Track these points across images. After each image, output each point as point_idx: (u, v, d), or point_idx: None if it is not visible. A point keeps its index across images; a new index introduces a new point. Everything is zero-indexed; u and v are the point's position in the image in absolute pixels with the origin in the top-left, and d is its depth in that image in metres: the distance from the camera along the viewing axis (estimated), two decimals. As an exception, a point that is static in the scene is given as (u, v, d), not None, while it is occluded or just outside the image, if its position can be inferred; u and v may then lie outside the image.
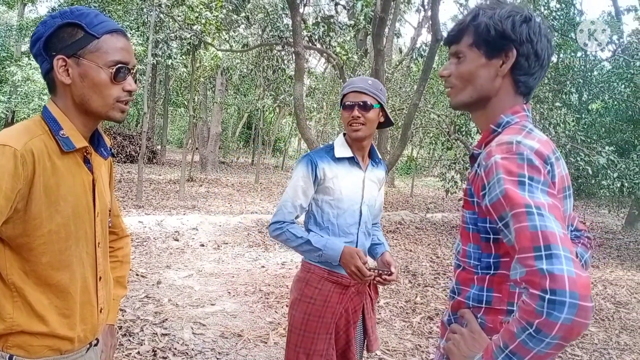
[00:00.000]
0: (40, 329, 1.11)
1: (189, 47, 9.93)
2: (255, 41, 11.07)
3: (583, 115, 10.23)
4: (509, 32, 1.08)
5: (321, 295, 1.89)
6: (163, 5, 9.45)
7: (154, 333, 3.40)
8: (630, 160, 8.54)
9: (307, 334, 1.88)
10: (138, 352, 3.09)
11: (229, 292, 4.47)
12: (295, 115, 6.38)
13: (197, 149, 17.00)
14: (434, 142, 11.44)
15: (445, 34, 6.05)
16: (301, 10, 7.43)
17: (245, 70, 15.74)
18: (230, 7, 9.28)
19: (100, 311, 1.25)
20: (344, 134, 1.99)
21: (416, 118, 9.25)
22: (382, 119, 1.95)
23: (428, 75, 6.48)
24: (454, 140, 9.40)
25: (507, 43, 1.09)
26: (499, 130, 1.12)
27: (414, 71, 13.26)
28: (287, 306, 2.01)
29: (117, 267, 1.46)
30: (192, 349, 3.22)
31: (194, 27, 9.14)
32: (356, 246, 1.94)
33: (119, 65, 1.13)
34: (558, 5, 9.16)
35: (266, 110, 19.94)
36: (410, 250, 7.00)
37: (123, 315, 3.63)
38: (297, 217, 1.94)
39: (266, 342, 3.44)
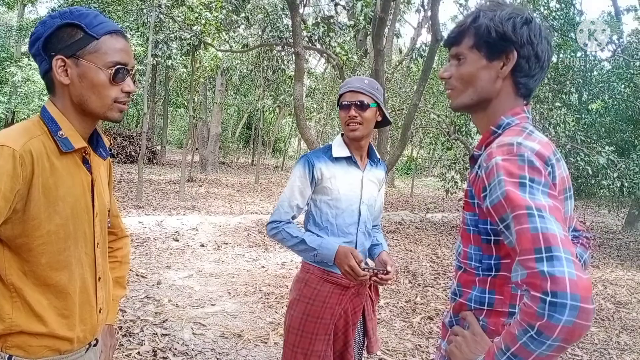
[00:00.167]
0: (40, 330, 1.11)
1: (188, 48, 9.92)
2: (255, 41, 11.05)
3: (583, 115, 10.22)
4: (509, 34, 1.08)
5: (320, 296, 1.88)
6: (163, 6, 9.45)
7: (154, 333, 3.40)
8: (630, 160, 8.54)
9: (305, 334, 1.88)
10: (138, 353, 3.09)
11: (229, 293, 4.47)
12: (295, 115, 6.38)
13: (197, 149, 16.98)
14: (434, 142, 11.42)
15: (445, 35, 6.07)
16: (301, 11, 7.43)
17: (245, 70, 15.72)
18: (230, 8, 9.26)
19: (100, 311, 1.25)
20: (342, 134, 1.99)
21: (416, 118, 9.25)
22: (379, 118, 1.95)
23: (428, 75, 6.49)
24: (454, 141, 9.40)
25: (507, 45, 1.08)
26: (500, 131, 1.11)
27: (413, 71, 13.26)
28: (287, 306, 2.01)
29: (116, 268, 1.46)
30: (192, 349, 3.21)
31: (194, 28, 9.13)
32: (355, 246, 1.93)
33: (118, 66, 1.13)
34: (558, 6, 9.15)
35: (266, 111, 19.95)
36: (410, 251, 6.99)
37: (123, 316, 3.63)
38: (294, 217, 1.94)
39: (266, 343, 3.44)
